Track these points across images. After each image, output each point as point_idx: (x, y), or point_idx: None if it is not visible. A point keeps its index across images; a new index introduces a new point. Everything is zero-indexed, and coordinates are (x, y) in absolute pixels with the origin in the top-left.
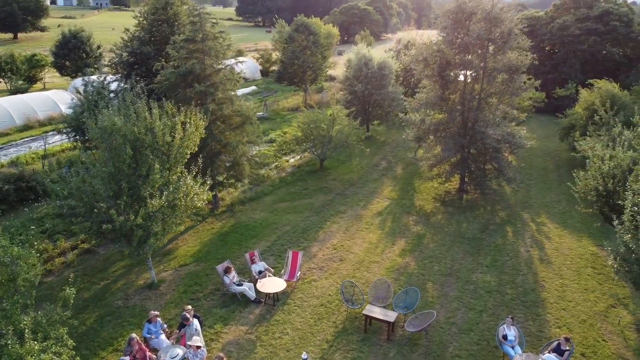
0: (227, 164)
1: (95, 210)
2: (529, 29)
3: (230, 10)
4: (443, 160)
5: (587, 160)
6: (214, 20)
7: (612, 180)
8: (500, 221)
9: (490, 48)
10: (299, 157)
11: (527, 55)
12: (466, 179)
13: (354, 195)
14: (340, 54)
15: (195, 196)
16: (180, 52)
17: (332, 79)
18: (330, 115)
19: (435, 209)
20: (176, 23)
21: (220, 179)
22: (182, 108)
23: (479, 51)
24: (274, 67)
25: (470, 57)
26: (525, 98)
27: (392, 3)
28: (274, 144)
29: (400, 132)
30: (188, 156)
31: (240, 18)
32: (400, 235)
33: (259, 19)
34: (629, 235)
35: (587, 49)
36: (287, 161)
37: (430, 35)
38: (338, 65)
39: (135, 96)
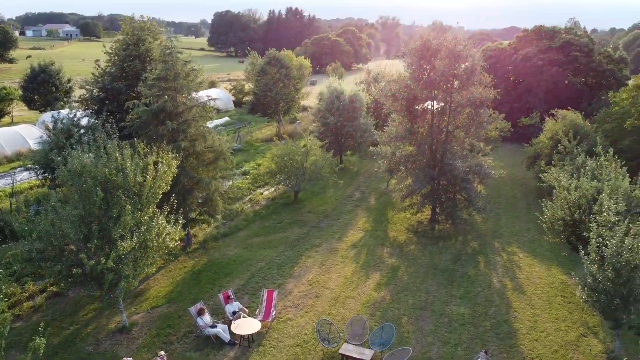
0: (200, 200)
1: (65, 253)
2: (493, 60)
3: (203, 41)
4: (414, 192)
5: (554, 190)
6: (187, 59)
7: (577, 210)
8: (472, 251)
9: (455, 83)
10: (273, 189)
11: (490, 90)
12: (437, 210)
13: (328, 228)
14: (312, 84)
15: (167, 236)
16: (152, 89)
17: (305, 109)
18: (304, 146)
19: (408, 239)
20: (148, 59)
21: (193, 215)
22: (154, 147)
23: (445, 86)
24: (247, 98)
25: (436, 92)
26: (492, 128)
27: (361, 35)
28: (247, 177)
29: (372, 162)
30: (160, 196)
31: (213, 48)
32: (375, 268)
33: (231, 49)
34: (595, 266)
35: (550, 79)
36: (261, 194)
37: (398, 66)
38: (311, 95)
39: (106, 135)
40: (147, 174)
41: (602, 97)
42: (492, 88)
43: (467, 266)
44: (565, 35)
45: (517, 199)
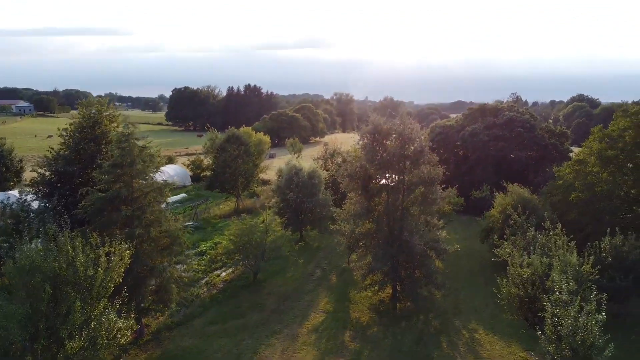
0: (153, 288)
1: (11, 354)
2: (443, 136)
3: (161, 115)
4: (374, 270)
5: (508, 267)
6: (142, 144)
7: (531, 287)
8: (434, 330)
9: (407, 163)
10: (231, 270)
11: (439, 168)
12: (398, 288)
13: (289, 311)
14: (271, 156)
15: (119, 332)
16: (107, 176)
17: (264, 182)
18: (263, 222)
19: (370, 320)
20: (104, 141)
21: (146, 304)
22: (106, 237)
23: (397, 166)
24: (206, 173)
25: (389, 172)
26: (445, 203)
27: (317, 110)
28: (204, 257)
29: (333, 237)
30: (112, 289)
31: (171, 122)
32: (337, 355)
33: (190, 123)
34: (553, 346)
35: (496, 154)
36: (218, 276)
37: (353, 139)
38: (270, 169)
39: (57, 225)
40: (98, 266)
41: (547, 170)
42: (442, 163)
43: (430, 347)
44: (508, 113)
45: (475, 273)
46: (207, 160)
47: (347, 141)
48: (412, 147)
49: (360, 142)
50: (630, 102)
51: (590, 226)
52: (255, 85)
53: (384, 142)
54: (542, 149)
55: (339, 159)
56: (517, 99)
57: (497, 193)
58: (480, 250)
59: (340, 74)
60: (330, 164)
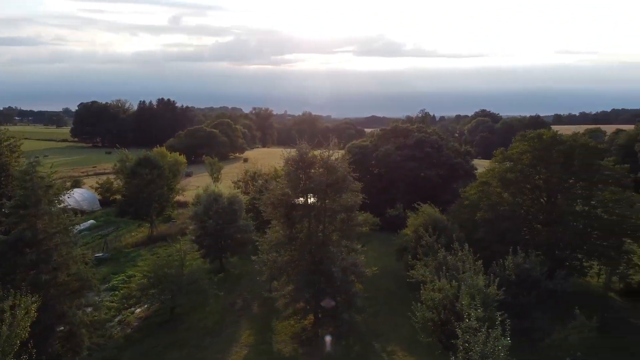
0: (62, 334)
1: None
2: (359, 156)
3: (66, 130)
4: (297, 299)
5: (421, 291)
6: (49, 183)
7: (443, 311)
8: (355, 355)
9: (329, 191)
10: (146, 306)
11: (358, 195)
12: (320, 314)
13: (210, 347)
14: (188, 175)
15: None
16: (9, 217)
17: (181, 205)
18: (179, 249)
19: (293, 351)
20: (4, 174)
21: (55, 352)
22: (10, 289)
23: (320, 194)
24: (117, 196)
25: (312, 200)
26: (363, 224)
27: (236, 126)
28: (116, 293)
29: (254, 263)
30: (18, 346)
31: (77, 139)
32: None
33: (98, 139)
34: None
35: (408, 173)
36: (133, 313)
37: (274, 154)
38: (187, 189)
39: None
40: (2, 322)
41: (455, 187)
42: (359, 182)
43: None
44: (417, 134)
45: (392, 293)
46: (117, 182)
47: (267, 157)
48: (335, 176)
49: (284, 170)
50: (527, 115)
51: (495, 244)
52: (169, 99)
53: (308, 170)
54: (450, 168)
55: (260, 181)
56: (426, 115)
57: (410, 212)
58: (397, 269)
59: (259, 87)
60: (251, 187)
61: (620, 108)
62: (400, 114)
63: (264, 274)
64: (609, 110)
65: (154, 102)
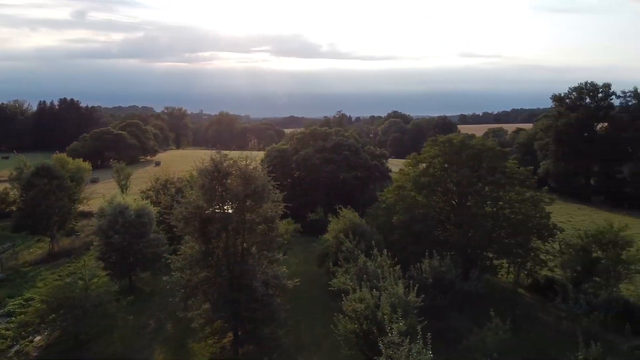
0: None
1: None
2: (278, 160)
3: None
4: (214, 318)
5: (343, 302)
6: None
7: (365, 322)
8: None
9: (248, 202)
10: (47, 334)
11: (279, 205)
12: (239, 332)
13: None
14: (94, 181)
15: None
16: None
17: (86, 215)
18: (83, 266)
19: None
20: None
21: None
22: None
23: (238, 206)
24: (13, 208)
25: (229, 212)
26: (283, 231)
27: (147, 126)
28: (13, 320)
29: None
30: None
31: None
32: None
33: None
34: None
35: (328, 176)
36: (31, 342)
37: (189, 157)
38: (93, 197)
39: None
40: None
41: (372, 188)
42: (280, 187)
43: None
44: (336, 137)
45: (315, 301)
46: (14, 192)
47: (181, 160)
48: (254, 185)
49: (198, 181)
50: (435, 116)
51: (411, 245)
52: (72, 99)
53: (224, 181)
54: (367, 170)
55: (173, 190)
56: (342, 116)
57: (331, 216)
58: (319, 275)
59: (172, 85)
60: (163, 196)
61: (519, 108)
62: (318, 114)
63: (177, 295)
64: (509, 110)
65: (56, 103)
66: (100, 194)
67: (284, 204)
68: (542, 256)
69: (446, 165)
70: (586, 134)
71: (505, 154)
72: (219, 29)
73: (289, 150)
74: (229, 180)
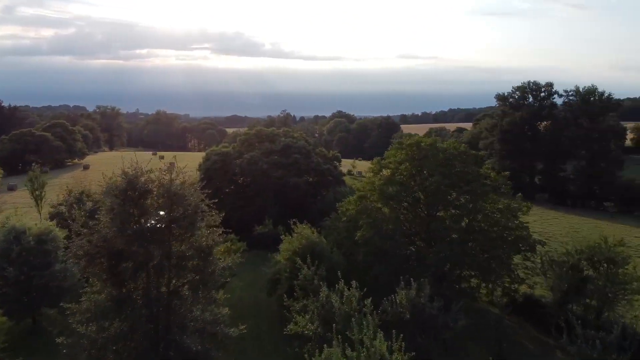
0: None
1: None
2: (220, 164)
3: None
4: None
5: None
6: None
7: None
8: None
9: (175, 230)
10: None
11: (216, 231)
12: None
13: None
14: (11, 189)
15: None
16: None
17: None
18: None
19: None
20: None
21: None
22: None
23: (162, 236)
24: None
25: (151, 244)
26: (226, 254)
27: (76, 127)
28: None
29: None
30: None
31: None
32: None
33: None
34: None
35: (277, 181)
36: None
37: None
38: (4, 209)
39: None
40: None
41: (325, 194)
42: (222, 192)
43: None
44: (284, 139)
45: (262, 335)
46: None
47: (113, 162)
48: (183, 207)
49: (106, 205)
50: (378, 116)
51: (378, 265)
52: None
53: (142, 202)
54: (319, 174)
55: (89, 204)
56: (287, 115)
57: (281, 229)
58: (268, 302)
59: (106, 84)
60: (78, 214)
61: (456, 108)
62: (262, 113)
63: (79, 354)
64: (446, 110)
65: None
66: (11, 205)
67: (222, 230)
68: (520, 272)
69: (414, 172)
70: (530, 133)
71: (480, 158)
72: (157, 25)
73: (231, 154)
74: (148, 201)
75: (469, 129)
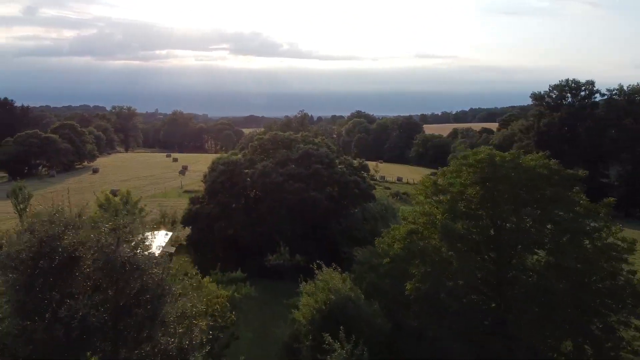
0: None
1: None
2: (228, 175)
3: None
4: None
5: None
6: None
7: None
8: None
9: (125, 330)
10: None
11: (197, 324)
12: None
13: None
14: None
15: None
16: None
17: None
18: None
19: None
20: None
21: None
22: None
23: (105, 337)
24: None
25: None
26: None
27: (86, 128)
28: None
29: None
30: None
31: None
32: None
33: None
34: None
35: (293, 197)
36: None
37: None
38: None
39: None
40: None
41: (352, 211)
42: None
43: None
44: (303, 145)
45: None
46: None
47: (124, 164)
48: (137, 287)
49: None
50: (396, 116)
51: (436, 330)
52: (5, 98)
53: (70, 275)
54: (344, 187)
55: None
56: (304, 115)
57: (299, 259)
58: None
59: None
60: None
61: (477, 107)
62: (279, 113)
63: None
64: (467, 109)
65: None
66: (9, 214)
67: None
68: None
69: (486, 198)
70: (569, 135)
71: (573, 179)
72: (176, 26)
73: (241, 162)
74: (78, 275)
75: (494, 129)
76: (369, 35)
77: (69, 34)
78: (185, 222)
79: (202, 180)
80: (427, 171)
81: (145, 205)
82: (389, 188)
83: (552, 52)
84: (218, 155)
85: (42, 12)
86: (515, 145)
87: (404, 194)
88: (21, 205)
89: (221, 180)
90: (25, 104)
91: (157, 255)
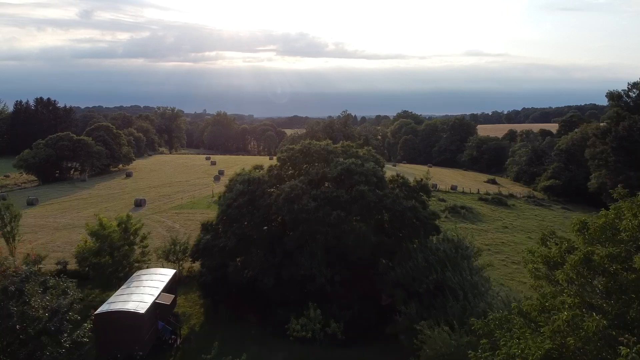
0: None
1: None
2: (248, 198)
3: None
4: None
5: None
6: None
7: None
8: None
9: None
10: None
11: None
12: None
13: None
14: (31, 203)
15: None
16: None
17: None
18: None
19: None
20: None
21: None
22: None
23: None
24: None
25: None
26: None
27: (125, 130)
28: None
29: None
30: None
31: None
32: None
33: None
34: None
35: (329, 230)
36: None
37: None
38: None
39: None
40: None
41: (409, 252)
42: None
43: None
44: (344, 160)
45: None
46: None
47: (163, 167)
48: None
49: None
50: (444, 115)
51: None
52: (48, 99)
53: None
54: (398, 217)
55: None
56: (348, 116)
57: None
58: None
59: (177, 85)
60: None
61: (530, 107)
62: (322, 113)
63: None
64: (519, 109)
65: (32, 102)
66: (33, 228)
67: None
68: None
69: None
70: None
71: None
72: (225, 28)
73: (266, 180)
74: None
75: (550, 129)
76: (415, 33)
77: (123, 36)
78: (194, 255)
79: (215, 202)
80: (482, 177)
81: (149, 233)
82: (443, 200)
83: (610, 50)
84: (238, 171)
85: (98, 16)
86: (587, 151)
87: (462, 208)
88: (7, 228)
89: (238, 205)
90: (77, 105)
91: None
